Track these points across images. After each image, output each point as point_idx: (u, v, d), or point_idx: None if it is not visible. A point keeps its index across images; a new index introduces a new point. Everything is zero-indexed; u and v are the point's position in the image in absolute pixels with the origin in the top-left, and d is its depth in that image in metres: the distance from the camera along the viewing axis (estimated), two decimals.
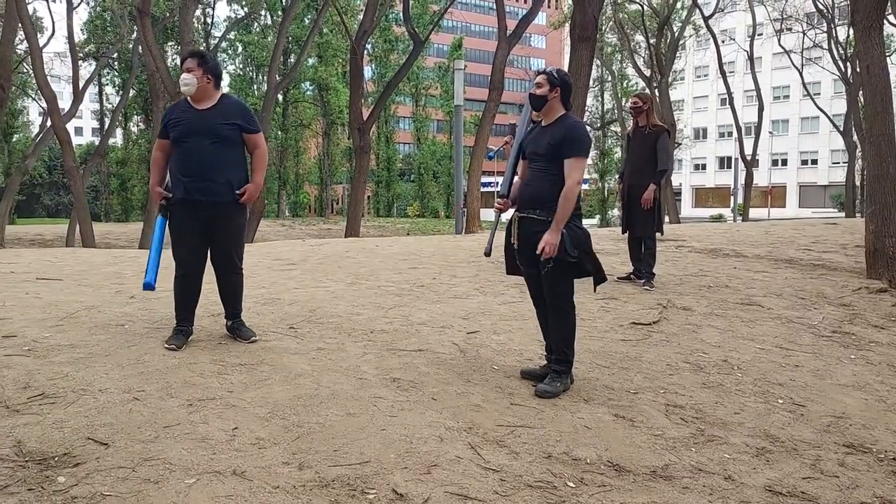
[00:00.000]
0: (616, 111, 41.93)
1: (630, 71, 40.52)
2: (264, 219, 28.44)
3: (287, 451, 2.85)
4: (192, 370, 3.60)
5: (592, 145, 7.17)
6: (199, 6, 32.59)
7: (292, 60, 38.56)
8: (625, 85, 42.73)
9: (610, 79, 43.13)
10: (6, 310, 4.49)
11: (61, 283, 5.60)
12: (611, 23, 33.33)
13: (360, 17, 34.17)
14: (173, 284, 4.13)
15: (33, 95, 35.92)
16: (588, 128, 7.35)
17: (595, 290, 3.99)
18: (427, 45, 33.67)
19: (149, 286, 4.05)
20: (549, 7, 58.96)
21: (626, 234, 6.71)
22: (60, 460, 2.62)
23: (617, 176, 6.89)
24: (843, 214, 35.34)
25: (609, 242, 9.56)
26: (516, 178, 3.94)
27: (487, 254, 4.06)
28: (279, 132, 45.89)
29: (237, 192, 4.03)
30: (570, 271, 3.71)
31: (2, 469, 2.52)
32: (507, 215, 3.98)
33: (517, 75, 50.01)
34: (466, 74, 14.89)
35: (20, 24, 14.12)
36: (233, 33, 43.64)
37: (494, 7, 14.19)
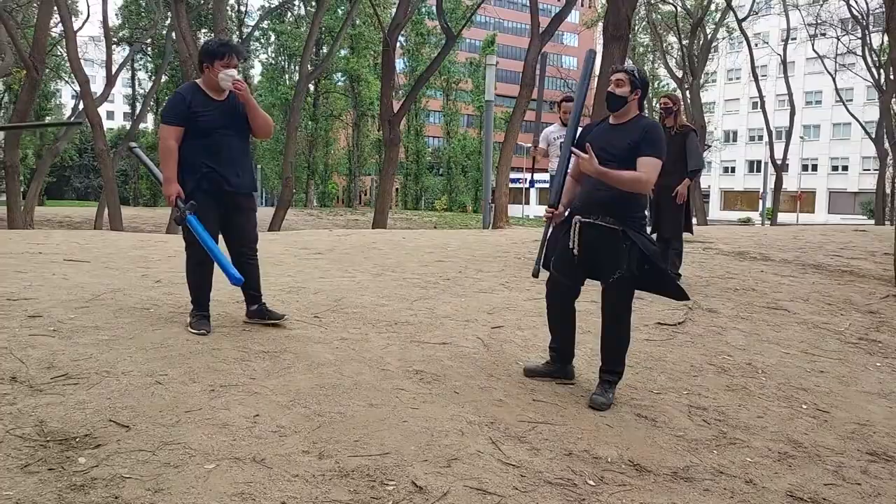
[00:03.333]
0: (647, 112, 41.48)
1: (662, 72, 40.07)
2: (292, 208, 28.60)
3: (307, 439, 2.84)
4: (216, 356, 3.61)
5: None
6: None
7: (325, 51, 38.72)
8: (656, 86, 42.25)
9: None
10: (33, 290, 4.54)
11: (88, 265, 5.66)
12: (644, 23, 32.98)
13: (394, 9, 34.17)
14: (190, 273, 4.10)
15: (66, 78, 36.50)
16: None
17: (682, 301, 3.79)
18: (459, 40, 33.59)
19: (239, 280, 4.01)
20: (582, 5, 58.41)
21: (653, 235, 6.62)
22: (81, 441, 2.63)
23: None
24: (872, 222, 34.66)
25: None
26: (569, 180, 3.71)
27: (535, 275, 3.80)
28: (309, 122, 46.13)
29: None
30: (634, 283, 3.56)
31: (23, 448, 2.54)
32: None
33: (549, 72, 49.68)
34: (498, 70, 14.87)
35: (55, 7, 14.32)
36: (266, 22, 43.90)
37: (527, 3, 14.03)
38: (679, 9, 30.29)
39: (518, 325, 4.80)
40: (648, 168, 3.43)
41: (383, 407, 3.23)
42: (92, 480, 2.37)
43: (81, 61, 17.44)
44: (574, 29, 59.33)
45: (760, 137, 51.44)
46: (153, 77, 39.19)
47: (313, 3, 40.72)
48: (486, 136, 15.57)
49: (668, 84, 41.26)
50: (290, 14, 46.00)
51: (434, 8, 39.52)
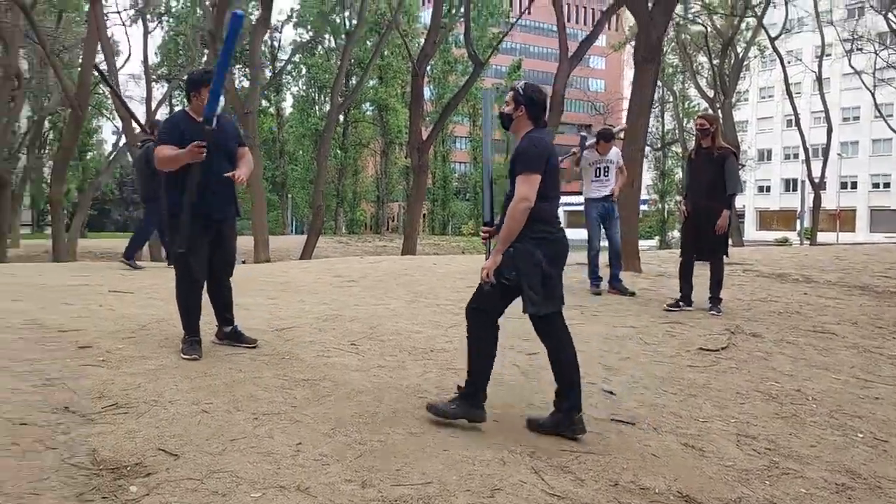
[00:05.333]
0: (677, 131, 41.22)
1: (692, 91, 39.85)
2: (322, 235, 28.82)
3: (350, 468, 2.85)
4: (257, 384, 3.65)
5: (636, 162, 7.02)
6: (268, 30, 33.54)
7: (354, 82, 39.34)
8: (686, 105, 42.01)
9: (671, 99, 42.48)
10: (81, 321, 4.65)
11: (132, 296, 5.77)
12: (672, 44, 32.89)
13: (421, 39, 34.57)
14: (184, 295, 4.12)
15: (108, 115, 37.59)
16: (589, 139, 7.15)
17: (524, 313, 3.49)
18: (486, 67, 33.84)
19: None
20: (608, 29, 58.54)
21: (682, 257, 6.53)
22: (133, 470, 2.67)
23: (678, 197, 6.74)
24: None
25: (672, 265, 9.35)
26: None
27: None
28: (338, 151, 46.74)
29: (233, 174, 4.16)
30: (493, 291, 3.40)
31: (77, 476, 2.58)
32: None
33: (576, 96, 49.72)
34: None
35: (100, 47, 14.84)
36: (297, 56, 44.81)
37: (553, 29, 14.12)
38: (709, 29, 30.17)
39: None
40: (518, 187, 3.34)
41: (423, 435, 3.23)
42: None
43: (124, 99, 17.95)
44: (602, 52, 59.40)
45: (796, 155, 50.67)
46: None
47: (342, 37, 41.54)
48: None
49: (698, 104, 40.98)
50: (320, 47, 46.86)
51: (460, 36, 39.97)
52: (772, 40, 29.07)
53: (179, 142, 4.00)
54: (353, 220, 52.23)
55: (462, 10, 19.61)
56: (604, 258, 7.26)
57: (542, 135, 3.51)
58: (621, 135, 7.63)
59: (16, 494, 2.41)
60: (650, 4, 8.63)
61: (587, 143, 7.20)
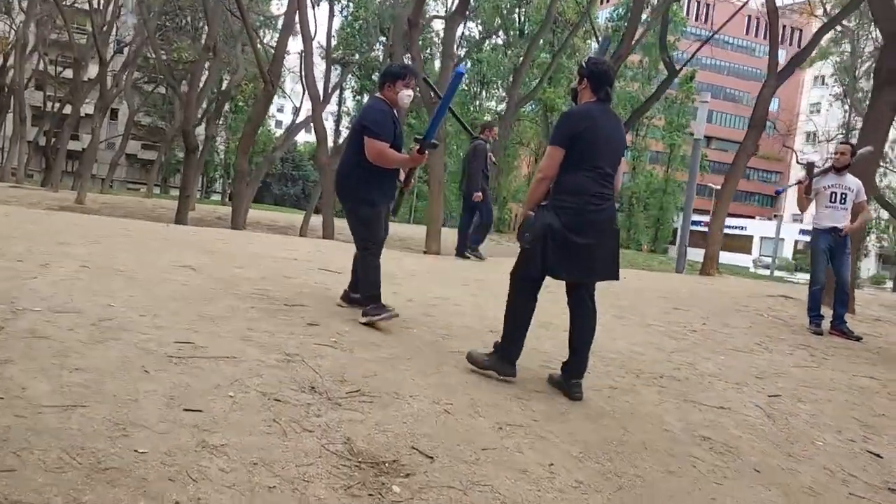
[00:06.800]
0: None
1: None
2: None
3: (611, 501, 2.60)
4: (492, 388, 3.49)
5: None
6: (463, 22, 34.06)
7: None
8: None
9: None
10: (303, 296, 4.69)
11: (341, 276, 5.81)
12: None
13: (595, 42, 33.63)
14: (374, 272, 4.27)
15: (286, 93, 39.84)
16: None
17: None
18: (654, 76, 32.53)
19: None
20: (790, 45, 54.39)
21: None
22: (391, 467, 2.56)
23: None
24: None
25: (883, 309, 8.37)
26: None
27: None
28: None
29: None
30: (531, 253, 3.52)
31: (340, 466, 2.49)
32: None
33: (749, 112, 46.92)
34: (694, 108, 14.15)
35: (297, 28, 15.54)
36: (463, 50, 45.27)
37: (729, 41, 13.06)
38: None
39: (797, 396, 4.26)
40: (543, 159, 3.54)
41: (683, 477, 2.91)
42: None
43: (308, 79, 18.75)
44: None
45: None
46: (357, 97, 41.74)
47: (511, 33, 41.43)
48: (690, 175, 14.76)
49: None
50: (487, 43, 47.03)
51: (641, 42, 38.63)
52: None
53: (392, 137, 4.20)
54: (500, 220, 52.18)
55: (656, 15, 18.76)
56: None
57: (588, 108, 3.52)
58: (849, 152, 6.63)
59: (288, 477, 2.35)
60: None
61: (816, 170, 6.44)
